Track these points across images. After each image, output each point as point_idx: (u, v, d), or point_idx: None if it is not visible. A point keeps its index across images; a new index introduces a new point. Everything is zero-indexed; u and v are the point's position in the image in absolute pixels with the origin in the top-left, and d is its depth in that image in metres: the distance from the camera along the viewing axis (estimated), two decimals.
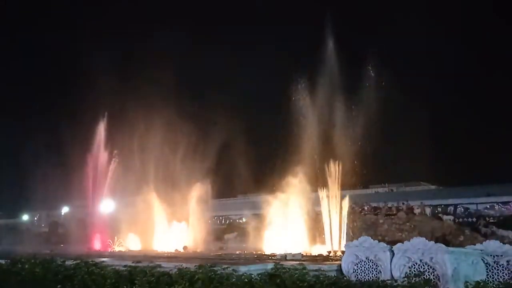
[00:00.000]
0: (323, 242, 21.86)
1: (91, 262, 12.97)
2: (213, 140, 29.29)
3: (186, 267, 11.02)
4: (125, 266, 12.09)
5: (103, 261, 14.24)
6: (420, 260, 11.02)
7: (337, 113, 22.88)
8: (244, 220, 44.09)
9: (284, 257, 16.55)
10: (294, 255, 17.25)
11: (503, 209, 42.34)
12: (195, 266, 10.91)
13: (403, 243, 11.68)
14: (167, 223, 29.35)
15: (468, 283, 9.08)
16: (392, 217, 25.25)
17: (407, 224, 24.58)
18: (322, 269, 11.51)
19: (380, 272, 11.58)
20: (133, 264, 12.11)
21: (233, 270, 10.60)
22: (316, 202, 22.74)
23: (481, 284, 8.84)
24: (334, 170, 22.02)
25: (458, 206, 44.48)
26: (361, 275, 11.82)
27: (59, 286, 12.38)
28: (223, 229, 38.00)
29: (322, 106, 23.35)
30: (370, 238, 12.52)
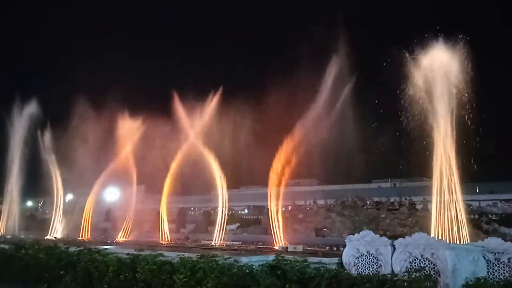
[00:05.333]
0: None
1: (94, 249, 13.10)
2: (217, 132, 29.20)
3: (188, 257, 11.10)
4: (127, 254, 12.20)
5: (106, 249, 14.36)
6: (421, 256, 11.01)
7: (342, 107, 22.75)
8: (246, 211, 44.29)
9: (286, 249, 16.60)
10: (295, 247, 17.30)
11: (505, 206, 42.20)
12: (197, 255, 10.99)
13: (404, 238, 11.69)
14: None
15: (468, 279, 9.12)
16: (394, 212, 25.30)
17: (409, 219, 24.65)
18: (323, 262, 11.58)
19: (381, 266, 11.58)
20: (135, 252, 12.20)
21: (234, 260, 10.69)
22: (320, 196, 22.80)
23: (481, 280, 8.87)
24: (338, 165, 22.03)
25: None
26: (361, 269, 11.84)
27: (62, 272, 12.53)
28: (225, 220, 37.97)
29: (328, 99, 23.20)
30: (372, 232, 12.53)
